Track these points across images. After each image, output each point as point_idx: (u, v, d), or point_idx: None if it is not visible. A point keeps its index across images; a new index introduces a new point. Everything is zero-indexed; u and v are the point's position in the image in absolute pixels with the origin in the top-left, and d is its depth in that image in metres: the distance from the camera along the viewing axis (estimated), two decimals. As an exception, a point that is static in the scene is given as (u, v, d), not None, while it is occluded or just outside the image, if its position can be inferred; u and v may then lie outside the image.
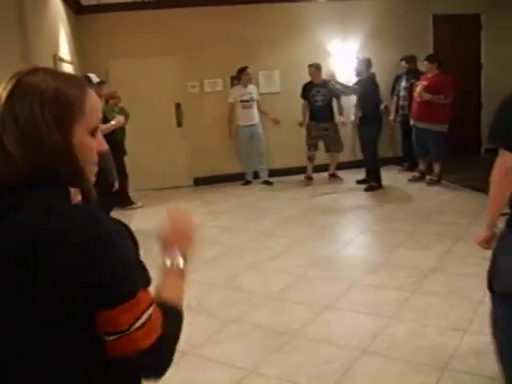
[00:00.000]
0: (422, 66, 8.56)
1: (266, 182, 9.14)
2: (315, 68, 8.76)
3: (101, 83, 6.80)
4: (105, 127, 6.31)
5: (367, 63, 8.27)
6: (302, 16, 9.36)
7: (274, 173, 9.33)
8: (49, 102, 1.16)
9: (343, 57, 9.59)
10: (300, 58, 9.16)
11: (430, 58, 8.11)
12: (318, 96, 8.78)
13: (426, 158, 8.34)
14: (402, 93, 8.98)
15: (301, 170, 9.35)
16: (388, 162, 9.43)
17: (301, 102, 8.99)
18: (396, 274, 4.80)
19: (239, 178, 9.30)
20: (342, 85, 8.41)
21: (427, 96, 7.78)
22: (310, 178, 9.11)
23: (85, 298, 1.09)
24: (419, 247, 5.49)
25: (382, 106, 9.28)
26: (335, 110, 9.01)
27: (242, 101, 8.88)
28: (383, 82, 9.25)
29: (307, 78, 8.92)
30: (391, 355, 3.42)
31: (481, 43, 10.08)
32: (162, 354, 1.20)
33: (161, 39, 8.86)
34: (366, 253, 5.75)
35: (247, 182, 9.27)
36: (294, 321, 4.01)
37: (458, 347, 3.44)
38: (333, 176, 9.24)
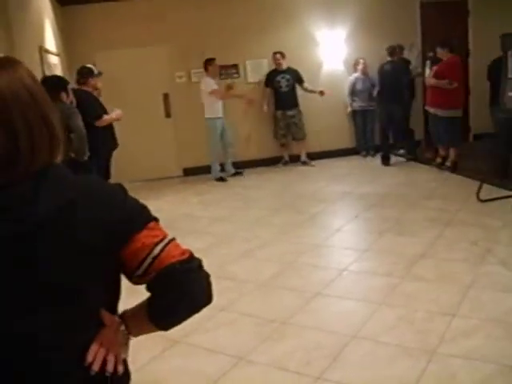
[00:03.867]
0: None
1: (238, 173, 9.09)
2: (281, 55, 9.10)
3: (100, 74, 6.71)
4: (109, 118, 6.22)
5: (397, 48, 8.80)
6: (290, 5, 9.33)
7: (262, 163, 9.39)
8: (41, 94, 1.23)
9: (331, 45, 9.58)
10: (288, 47, 9.16)
11: (441, 44, 7.90)
12: (283, 82, 9.14)
13: (443, 143, 8.19)
14: None
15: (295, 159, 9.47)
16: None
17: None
18: (385, 260, 4.83)
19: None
20: None
21: (432, 81, 7.76)
22: (286, 163, 9.58)
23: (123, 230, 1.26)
24: (408, 233, 5.51)
25: (375, 93, 9.38)
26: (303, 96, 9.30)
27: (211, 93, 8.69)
28: (372, 69, 9.36)
29: (295, 67, 9.13)
30: (381, 340, 3.44)
31: (468, 30, 10.09)
32: (202, 268, 1.32)
33: (147, 29, 8.79)
34: (355, 240, 5.76)
35: (222, 179, 8.90)
36: (284, 308, 4.02)
37: (446, 331, 3.47)
38: (305, 163, 9.47)
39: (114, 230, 1.24)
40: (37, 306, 1.18)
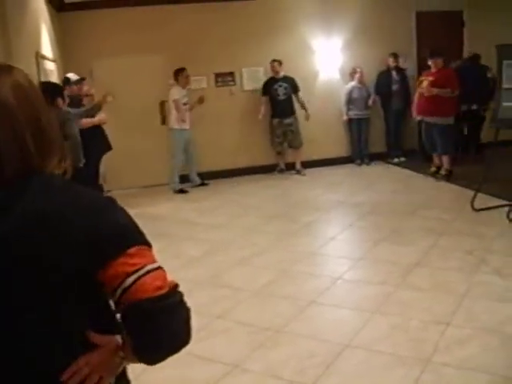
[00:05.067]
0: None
1: (204, 184, 9.01)
2: (278, 63, 9.10)
3: (81, 80, 6.76)
4: (89, 121, 6.29)
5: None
6: (287, 13, 9.36)
7: (257, 170, 9.42)
8: (41, 99, 1.27)
9: (327, 54, 9.62)
10: (284, 55, 9.19)
11: (436, 53, 7.95)
12: (280, 90, 9.14)
13: (437, 151, 8.20)
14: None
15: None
16: (380, 156, 9.82)
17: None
18: (380, 269, 4.83)
19: (224, 175, 9.31)
20: None
21: (435, 90, 7.70)
22: (282, 171, 9.58)
23: (103, 249, 1.18)
24: (403, 242, 5.51)
25: (371, 101, 9.44)
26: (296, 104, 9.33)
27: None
28: (368, 77, 9.42)
29: (292, 75, 9.18)
30: (374, 349, 3.44)
31: (463, 40, 10.13)
32: (182, 304, 1.22)
33: (144, 37, 8.79)
34: (349, 248, 5.77)
35: (183, 191, 8.75)
36: (278, 316, 4.02)
37: (441, 340, 3.47)
38: (298, 172, 9.44)
39: (97, 238, 1.18)
40: (34, 304, 1.18)
